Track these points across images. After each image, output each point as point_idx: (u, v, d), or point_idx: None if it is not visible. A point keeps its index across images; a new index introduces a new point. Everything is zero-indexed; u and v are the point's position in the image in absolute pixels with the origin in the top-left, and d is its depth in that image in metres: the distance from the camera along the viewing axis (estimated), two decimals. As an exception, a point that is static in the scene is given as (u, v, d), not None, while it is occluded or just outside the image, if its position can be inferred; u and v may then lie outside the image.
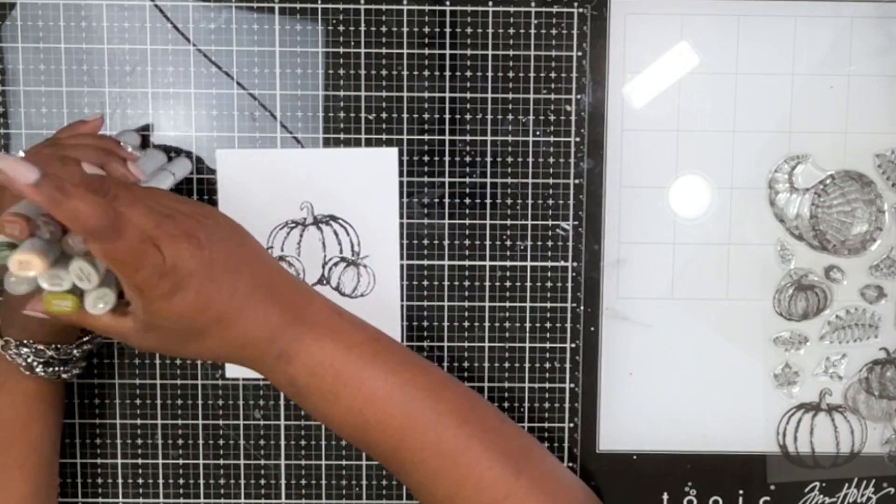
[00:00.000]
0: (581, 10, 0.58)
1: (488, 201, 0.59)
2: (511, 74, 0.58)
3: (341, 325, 0.48)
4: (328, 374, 0.47)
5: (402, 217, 0.59)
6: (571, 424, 0.61)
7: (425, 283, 0.60)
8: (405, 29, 0.58)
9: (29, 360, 0.50)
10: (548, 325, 0.60)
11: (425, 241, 0.59)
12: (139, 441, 0.60)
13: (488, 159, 0.59)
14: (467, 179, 0.59)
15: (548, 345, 0.60)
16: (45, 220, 0.42)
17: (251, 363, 0.47)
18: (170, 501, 0.61)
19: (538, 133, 0.59)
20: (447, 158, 0.59)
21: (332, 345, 0.47)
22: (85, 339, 0.53)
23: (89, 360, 0.53)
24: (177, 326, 0.44)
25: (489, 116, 0.59)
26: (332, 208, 0.59)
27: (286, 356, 0.46)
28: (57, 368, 0.51)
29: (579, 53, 0.58)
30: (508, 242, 0.59)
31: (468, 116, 0.59)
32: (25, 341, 0.50)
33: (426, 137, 0.59)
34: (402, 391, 0.48)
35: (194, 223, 0.44)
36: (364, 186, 0.59)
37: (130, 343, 0.46)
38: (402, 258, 0.59)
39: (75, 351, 0.52)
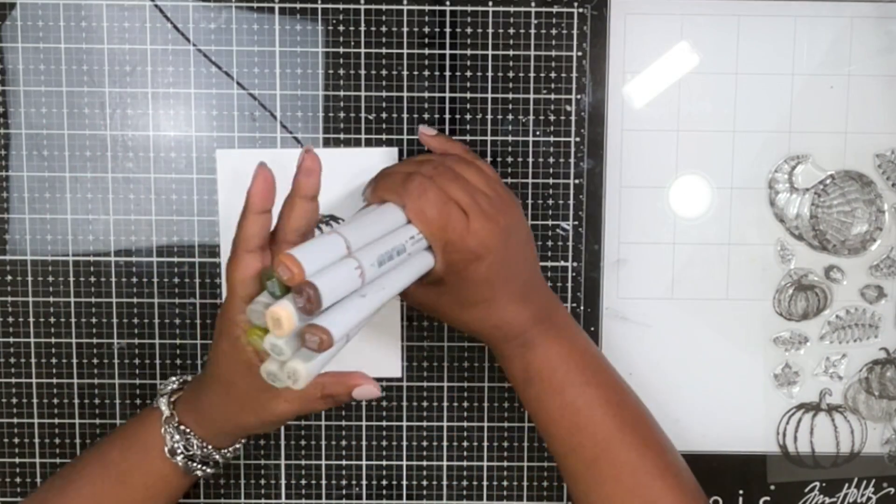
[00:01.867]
0: (581, 10, 0.58)
1: (488, 201, 0.59)
2: (511, 74, 0.58)
3: (580, 333, 0.54)
4: (561, 367, 0.51)
5: (402, 217, 0.59)
6: (571, 424, 0.61)
7: (425, 283, 0.59)
8: (405, 29, 0.58)
9: (175, 444, 0.50)
10: (548, 325, 0.60)
11: (425, 241, 0.59)
12: (139, 441, 0.60)
13: (488, 159, 0.59)
14: (467, 179, 0.59)
15: (548, 345, 0.60)
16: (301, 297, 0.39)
17: (496, 342, 0.52)
18: (170, 501, 0.61)
19: (538, 133, 0.59)
20: (447, 158, 0.59)
21: (570, 344, 0.52)
22: (228, 449, 0.52)
23: (217, 468, 0.53)
24: (462, 293, 0.50)
25: (489, 116, 0.59)
26: (333, 208, 0.59)
27: (530, 343, 0.51)
28: (193, 464, 0.51)
29: (579, 53, 0.58)
30: (508, 242, 0.59)
31: (468, 116, 0.59)
32: (185, 427, 0.51)
33: (426, 137, 0.59)
34: (618, 406, 0.52)
35: (505, 208, 0.50)
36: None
37: (419, 301, 0.52)
38: (402, 258, 0.59)
39: (216, 455, 0.52)
